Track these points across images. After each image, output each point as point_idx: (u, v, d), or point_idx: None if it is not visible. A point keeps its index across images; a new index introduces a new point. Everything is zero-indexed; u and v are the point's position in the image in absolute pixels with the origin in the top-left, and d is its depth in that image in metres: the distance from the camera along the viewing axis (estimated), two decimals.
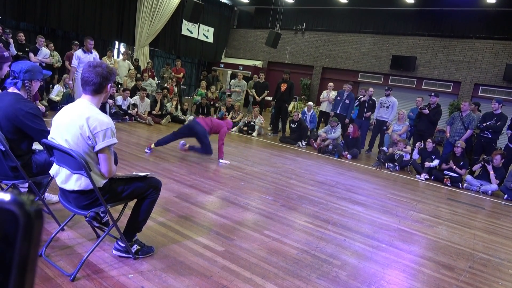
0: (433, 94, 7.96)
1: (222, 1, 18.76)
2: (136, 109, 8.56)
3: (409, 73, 14.93)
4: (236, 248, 2.86)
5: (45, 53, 8.88)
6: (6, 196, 0.36)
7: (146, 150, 5.69)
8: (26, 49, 8.51)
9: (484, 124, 7.04)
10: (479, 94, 13.71)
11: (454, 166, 6.76)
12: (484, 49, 13.60)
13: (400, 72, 15.14)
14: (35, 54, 8.60)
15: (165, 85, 10.69)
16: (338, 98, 9.37)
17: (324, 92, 10.06)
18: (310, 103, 10.05)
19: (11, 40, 7.93)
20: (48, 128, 2.35)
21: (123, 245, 2.43)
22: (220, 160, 5.77)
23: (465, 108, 7.32)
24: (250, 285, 2.37)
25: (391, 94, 8.92)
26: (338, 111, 9.26)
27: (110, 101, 7.97)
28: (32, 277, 0.37)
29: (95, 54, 7.12)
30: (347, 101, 9.22)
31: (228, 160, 5.87)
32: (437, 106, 7.85)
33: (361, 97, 9.13)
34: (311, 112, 9.74)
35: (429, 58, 14.61)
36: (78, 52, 6.91)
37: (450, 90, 14.35)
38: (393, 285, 2.68)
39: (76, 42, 9.55)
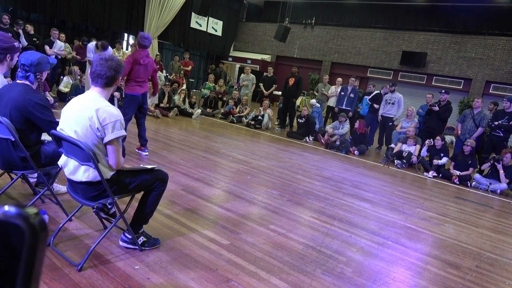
0: (443, 91, 7.84)
1: None
2: None
3: (419, 69, 14.74)
4: (241, 242, 2.87)
5: (60, 45, 8.96)
6: (11, 209, 0.37)
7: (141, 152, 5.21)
8: (34, 39, 8.55)
9: (496, 123, 6.92)
10: (490, 91, 13.50)
11: (456, 172, 6.76)
12: (496, 46, 13.35)
13: (410, 68, 14.96)
14: (51, 47, 8.68)
15: (172, 77, 10.69)
16: (342, 93, 9.32)
17: (333, 87, 10.00)
18: (313, 100, 10.03)
19: (21, 31, 7.97)
20: (57, 119, 2.37)
21: (129, 236, 2.46)
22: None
23: (477, 106, 7.21)
24: (255, 279, 2.37)
25: (395, 90, 8.81)
26: (343, 106, 9.22)
27: (117, 93, 8.00)
28: (37, 287, 0.38)
29: (109, 49, 7.20)
30: (351, 95, 9.19)
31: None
32: (448, 103, 7.74)
33: (375, 91, 9.08)
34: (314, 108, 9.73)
35: (440, 54, 14.40)
36: (91, 46, 6.98)
37: (461, 87, 14.15)
38: (399, 282, 2.67)
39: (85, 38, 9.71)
